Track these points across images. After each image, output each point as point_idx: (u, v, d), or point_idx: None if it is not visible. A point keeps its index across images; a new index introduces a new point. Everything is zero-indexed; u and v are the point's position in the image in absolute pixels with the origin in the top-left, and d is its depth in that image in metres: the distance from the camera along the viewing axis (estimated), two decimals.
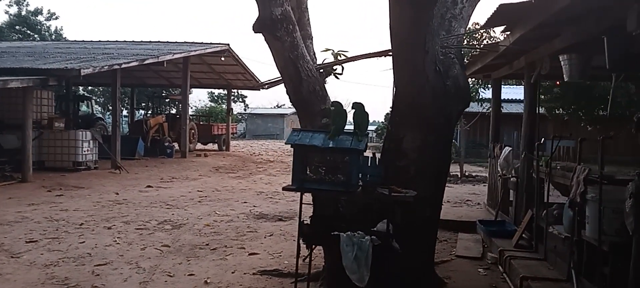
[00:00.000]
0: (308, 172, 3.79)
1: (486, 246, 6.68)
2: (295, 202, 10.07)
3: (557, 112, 16.27)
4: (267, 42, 4.61)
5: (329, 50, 5.05)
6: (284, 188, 4.03)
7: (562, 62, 5.00)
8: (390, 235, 3.68)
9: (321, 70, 5.04)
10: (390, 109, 4.31)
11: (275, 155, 24.06)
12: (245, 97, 50.73)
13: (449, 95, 4.13)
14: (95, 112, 25.18)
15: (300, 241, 3.95)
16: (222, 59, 20.14)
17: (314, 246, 3.99)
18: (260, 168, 17.73)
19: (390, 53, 4.22)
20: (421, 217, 4.34)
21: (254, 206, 9.56)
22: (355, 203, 4.23)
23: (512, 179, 7.05)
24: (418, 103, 4.04)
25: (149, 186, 11.88)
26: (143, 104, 28.12)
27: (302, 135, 3.81)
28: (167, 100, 30.36)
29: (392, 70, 4.12)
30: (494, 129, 8.86)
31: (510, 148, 7.24)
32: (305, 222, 3.99)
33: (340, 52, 4.99)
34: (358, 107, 3.93)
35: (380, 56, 4.84)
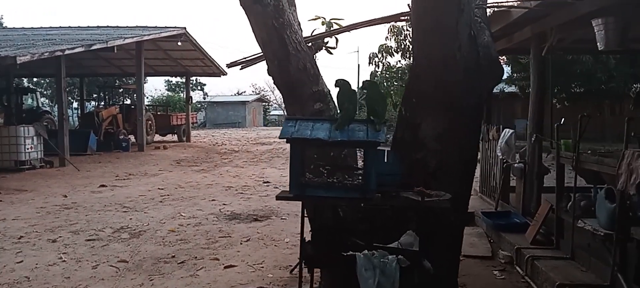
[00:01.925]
0: (309, 174, 2.86)
1: (493, 241, 5.95)
2: (270, 198, 9.11)
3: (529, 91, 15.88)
4: (243, 7, 3.62)
5: (319, 18, 4.10)
6: (279, 197, 3.07)
7: (595, 28, 4.24)
8: (421, 254, 2.80)
9: (309, 44, 4.09)
10: (405, 90, 3.39)
11: (239, 144, 22.92)
12: (204, 85, 49.12)
13: (481, 69, 3.27)
14: (41, 106, 23.28)
15: (303, 263, 3.02)
16: (179, 43, 18.80)
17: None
18: (225, 159, 16.61)
19: (405, 17, 3.32)
20: (444, 224, 3.48)
21: (224, 204, 8.53)
22: (360, 209, 3.33)
23: (516, 165, 6.33)
24: (445, 79, 3.16)
25: (102, 185, 10.63)
26: (94, 95, 26.25)
27: (300, 126, 2.87)
28: (120, 90, 28.60)
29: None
30: (486, 110, 8.13)
31: (511, 131, 6.50)
32: (307, 240, 3.06)
33: (333, 21, 4.05)
34: (371, 86, 3.02)
35: (391, 21, 3.93)
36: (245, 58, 4.34)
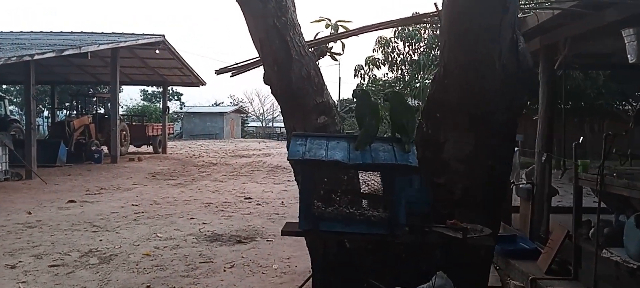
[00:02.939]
0: (318, 202, 2.34)
1: (499, 268, 5.49)
2: (253, 216, 8.51)
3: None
4: (239, 3, 3.10)
5: (323, 20, 3.61)
6: (285, 233, 2.52)
7: (625, 38, 3.84)
8: None
9: (311, 49, 3.58)
10: (427, 103, 2.90)
11: (217, 156, 22.20)
12: (181, 94, 48.16)
13: (519, 80, 2.81)
14: (9, 114, 22.15)
15: None
16: (157, 51, 18.09)
17: None
18: (204, 172, 15.93)
19: (433, 15, 2.85)
20: (471, 261, 3.00)
21: (204, 223, 7.90)
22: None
23: (522, 186, 5.91)
24: (479, 90, 2.69)
25: (71, 201, 9.85)
26: (67, 104, 25.20)
27: (311, 144, 2.36)
28: (94, 99, 27.56)
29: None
30: None
31: (515, 149, 6.09)
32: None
33: (339, 23, 3.56)
34: (395, 98, 2.53)
35: (412, 23, 3.44)
36: (237, 63, 3.82)
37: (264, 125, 60.31)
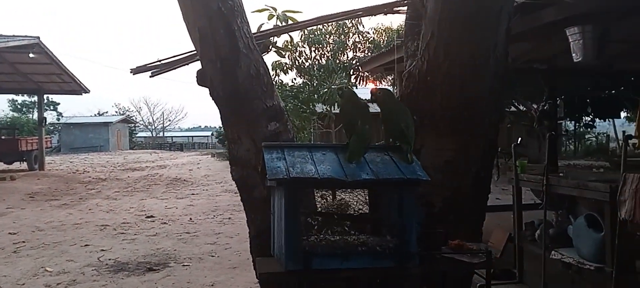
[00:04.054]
0: (311, 233, 1.82)
1: None
2: (161, 238, 7.54)
3: None
4: None
5: (267, 10, 3.07)
6: (263, 278, 1.92)
7: (570, 38, 3.78)
8: None
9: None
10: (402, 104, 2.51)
11: (105, 171, 20.26)
12: (58, 104, 43.87)
13: (506, 77, 2.52)
14: None
15: None
16: (31, 55, 16.00)
17: None
18: (92, 189, 14.31)
19: (401, 6, 2.46)
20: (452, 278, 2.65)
21: (103, 250, 6.85)
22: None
23: None
24: (472, 87, 2.35)
25: None
26: None
27: (291, 157, 1.83)
28: None
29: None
30: None
31: None
32: None
33: (287, 14, 3.05)
34: (387, 96, 2.09)
35: (380, 13, 3.02)
36: (160, 60, 3.13)
37: (154, 135, 57.06)
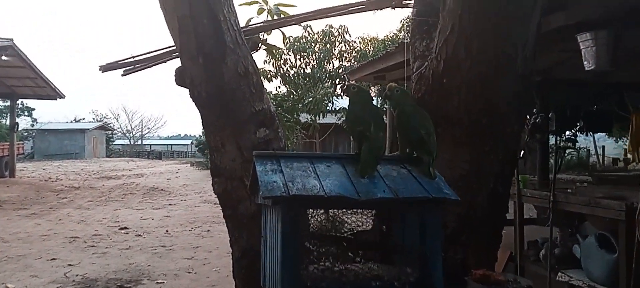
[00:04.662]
0: (309, 258, 1.48)
1: None
2: (134, 251, 7.09)
3: None
4: None
5: (256, 2, 2.73)
6: None
7: (581, 44, 3.53)
8: None
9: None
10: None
11: (79, 179, 19.55)
12: (33, 109, 42.68)
13: (531, 81, 2.22)
14: None
15: None
16: (4, 58, 15.37)
17: None
18: (64, 198, 13.69)
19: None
20: None
21: (70, 265, 6.37)
22: None
23: None
24: (495, 90, 2.04)
25: None
26: None
27: (291, 170, 1.48)
28: None
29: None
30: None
31: None
32: None
33: (279, 7, 2.72)
34: (403, 95, 1.77)
35: (386, 7, 2.70)
36: (133, 57, 2.76)
37: (132, 143, 55.89)
